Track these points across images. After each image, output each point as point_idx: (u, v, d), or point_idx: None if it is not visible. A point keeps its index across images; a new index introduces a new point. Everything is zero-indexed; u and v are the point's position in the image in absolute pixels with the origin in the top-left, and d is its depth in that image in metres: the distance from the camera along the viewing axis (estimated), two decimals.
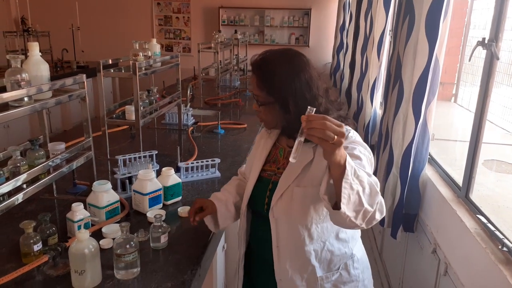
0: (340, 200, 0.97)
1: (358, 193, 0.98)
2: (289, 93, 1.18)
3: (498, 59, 1.63)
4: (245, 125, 2.98)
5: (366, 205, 1.00)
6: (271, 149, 1.36)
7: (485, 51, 1.67)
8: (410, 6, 1.97)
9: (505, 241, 1.41)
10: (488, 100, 1.69)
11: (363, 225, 1.05)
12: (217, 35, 4.07)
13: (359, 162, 1.11)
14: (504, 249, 1.39)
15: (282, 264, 1.27)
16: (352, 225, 1.03)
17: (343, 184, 0.95)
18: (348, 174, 0.96)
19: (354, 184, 0.98)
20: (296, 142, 0.99)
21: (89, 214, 1.43)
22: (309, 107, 0.99)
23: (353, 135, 1.22)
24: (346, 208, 0.97)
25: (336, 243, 1.27)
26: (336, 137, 0.92)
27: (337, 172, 0.97)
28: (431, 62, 1.90)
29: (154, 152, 1.96)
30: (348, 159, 0.97)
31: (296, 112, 1.16)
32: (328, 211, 1.04)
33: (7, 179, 1.35)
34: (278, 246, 1.27)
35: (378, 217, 1.06)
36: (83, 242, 1.13)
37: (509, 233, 1.45)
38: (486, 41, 1.64)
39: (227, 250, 2.08)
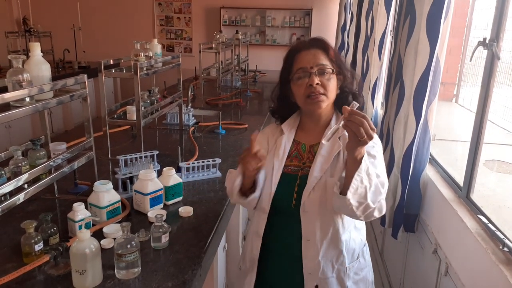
0: (347, 189, 1.10)
1: (365, 188, 1.11)
2: (348, 72, 1.33)
3: (499, 59, 1.62)
4: (246, 125, 2.98)
5: (369, 201, 1.13)
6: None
7: (486, 51, 1.67)
8: (411, 6, 1.97)
9: (506, 241, 1.40)
10: (489, 100, 1.69)
11: (362, 218, 1.18)
12: (218, 35, 4.07)
13: (372, 161, 1.22)
14: (505, 249, 1.39)
15: (314, 257, 1.28)
16: (351, 214, 1.17)
17: (355, 176, 1.09)
18: (362, 170, 1.09)
19: (364, 179, 1.11)
20: (335, 127, 1.10)
21: (90, 214, 1.43)
22: (354, 102, 1.10)
23: None
24: (352, 197, 1.10)
25: (354, 232, 1.34)
26: (365, 137, 1.03)
27: (353, 165, 1.09)
28: (432, 62, 1.90)
29: (155, 152, 1.96)
30: (365, 157, 1.10)
31: (349, 90, 1.33)
32: (335, 194, 1.15)
33: (9, 179, 1.35)
34: (309, 240, 1.27)
35: (377, 214, 1.19)
36: (84, 242, 1.13)
37: (510, 233, 1.45)
38: (487, 41, 1.64)
39: (228, 250, 2.09)
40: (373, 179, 1.13)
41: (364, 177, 1.10)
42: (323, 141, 1.12)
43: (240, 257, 1.55)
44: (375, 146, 1.26)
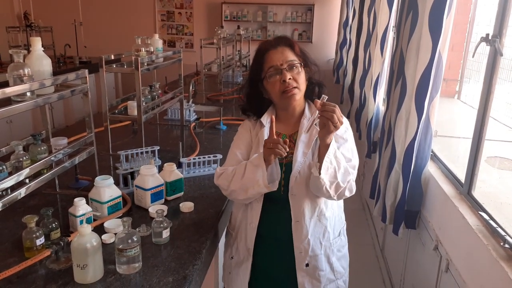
0: (320, 169, 1.25)
1: (334, 168, 1.28)
2: (312, 64, 1.43)
3: (501, 55, 1.61)
4: None
5: (339, 180, 1.29)
6: None
7: (488, 47, 1.66)
8: (414, 1, 1.95)
9: (507, 238, 1.40)
10: (492, 96, 1.68)
11: (335, 197, 1.32)
12: (219, 31, 4.06)
13: (345, 146, 1.38)
14: (506, 246, 1.39)
15: (304, 237, 1.38)
16: (326, 193, 1.29)
17: (325, 158, 1.25)
18: (330, 153, 1.26)
19: (333, 161, 1.27)
20: (311, 120, 1.28)
21: (91, 209, 1.43)
22: (323, 95, 1.26)
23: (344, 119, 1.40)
24: (324, 176, 1.26)
25: (336, 209, 1.47)
26: (338, 123, 1.20)
27: (324, 150, 1.25)
28: (434, 58, 1.89)
29: (156, 148, 1.96)
30: (333, 143, 1.26)
31: (315, 81, 1.44)
32: (313, 175, 1.28)
33: (10, 174, 1.35)
34: (298, 221, 1.37)
35: (348, 194, 1.34)
36: (85, 237, 1.14)
37: (511, 230, 1.45)
38: (489, 37, 1.63)
39: None
40: (341, 162, 1.29)
41: (332, 159, 1.26)
42: (303, 133, 1.30)
43: (229, 247, 1.56)
44: (347, 130, 1.41)
